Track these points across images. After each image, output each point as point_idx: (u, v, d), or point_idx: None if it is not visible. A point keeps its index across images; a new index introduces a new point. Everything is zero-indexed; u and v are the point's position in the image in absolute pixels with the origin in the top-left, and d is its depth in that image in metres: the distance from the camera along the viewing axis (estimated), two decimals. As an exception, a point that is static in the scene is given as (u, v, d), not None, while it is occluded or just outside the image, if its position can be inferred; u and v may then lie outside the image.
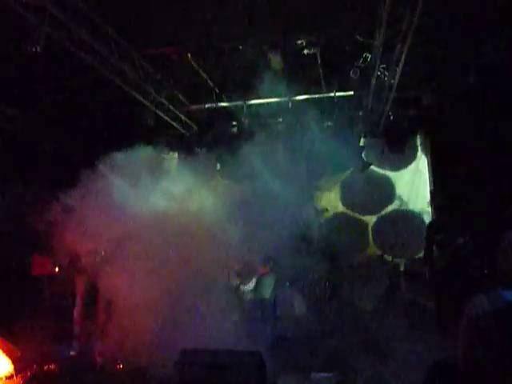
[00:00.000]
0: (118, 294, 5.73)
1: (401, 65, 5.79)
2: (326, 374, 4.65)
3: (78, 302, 6.10)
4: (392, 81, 6.23)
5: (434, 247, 6.11)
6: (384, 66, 6.08)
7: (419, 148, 9.01)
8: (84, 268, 6.02)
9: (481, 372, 2.52)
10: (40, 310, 6.21)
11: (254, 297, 6.08)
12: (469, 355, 2.60)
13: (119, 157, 5.94)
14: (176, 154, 9.30)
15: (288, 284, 7.17)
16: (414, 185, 9.00)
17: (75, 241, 5.55)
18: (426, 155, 8.84)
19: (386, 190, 9.12)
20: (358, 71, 6.22)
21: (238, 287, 6.02)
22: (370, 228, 9.15)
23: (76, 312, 6.09)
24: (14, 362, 5.23)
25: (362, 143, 8.48)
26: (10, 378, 5.12)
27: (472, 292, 2.74)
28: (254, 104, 7.88)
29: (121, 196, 5.74)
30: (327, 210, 8.32)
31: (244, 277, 5.97)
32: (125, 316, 5.56)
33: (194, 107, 8.13)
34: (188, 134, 8.77)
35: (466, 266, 5.90)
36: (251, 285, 5.95)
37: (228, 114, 8.17)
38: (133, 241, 5.68)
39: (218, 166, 9.60)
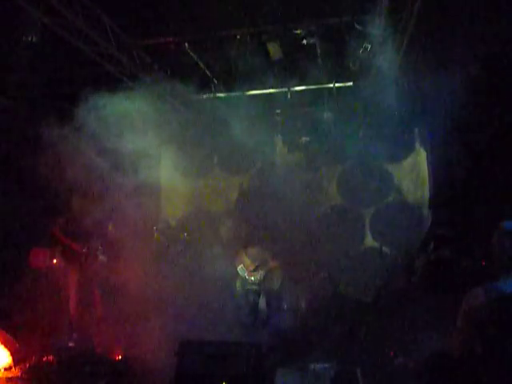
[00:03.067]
0: (116, 284, 5.73)
1: (401, 55, 5.75)
2: (324, 365, 4.66)
3: (72, 293, 6.10)
4: (392, 71, 6.19)
5: (432, 241, 6.11)
6: (384, 56, 6.03)
7: (418, 140, 8.99)
8: (77, 259, 6.02)
9: (478, 362, 2.52)
10: (38, 301, 6.19)
11: (259, 289, 6.02)
12: (467, 347, 2.60)
13: None
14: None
15: (285, 277, 7.16)
16: (412, 177, 8.98)
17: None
18: (425, 147, 8.82)
19: (385, 182, 9.10)
20: (358, 61, 6.17)
21: (244, 278, 5.94)
22: (367, 220, 9.13)
23: (71, 303, 6.09)
24: (12, 354, 5.22)
25: (360, 134, 8.45)
26: (8, 369, 5.12)
27: (469, 284, 2.74)
28: (252, 94, 7.83)
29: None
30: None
31: (252, 269, 5.90)
32: (124, 306, 5.57)
33: (192, 97, 8.07)
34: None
35: (463, 258, 5.90)
36: (259, 277, 5.88)
37: (226, 104, 8.11)
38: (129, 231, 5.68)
39: (216, 158, 9.55)
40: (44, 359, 5.40)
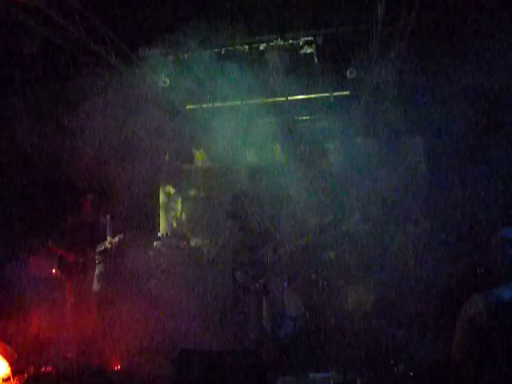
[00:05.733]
0: (114, 294, 5.71)
1: (397, 63, 5.80)
2: (324, 374, 4.64)
3: (70, 303, 6.08)
4: (389, 80, 6.24)
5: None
6: (381, 65, 6.09)
7: (416, 148, 9.01)
8: (73, 269, 6.00)
9: (478, 369, 2.52)
10: (37, 310, 6.17)
11: (260, 297, 5.96)
12: (466, 354, 2.60)
13: None
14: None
15: (286, 284, 7.14)
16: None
17: None
18: (424, 154, 8.84)
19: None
20: (355, 71, 6.22)
21: (244, 285, 5.89)
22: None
23: (69, 313, 6.07)
24: (10, 364, 5.19)
25: (358, 143, 8.47)
26: (6, 380, 5.08)
27: (469, 291, 2.74)
28: (250, 104, 7.87)
29: None
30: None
31: (252, 276, 5.86)
32: (122, 316, 5.55)
33: (190, 107, 8.11)
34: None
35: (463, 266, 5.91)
36: (259, 285, 5.83)
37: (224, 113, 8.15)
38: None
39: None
40: (42, 370, 5.36)
